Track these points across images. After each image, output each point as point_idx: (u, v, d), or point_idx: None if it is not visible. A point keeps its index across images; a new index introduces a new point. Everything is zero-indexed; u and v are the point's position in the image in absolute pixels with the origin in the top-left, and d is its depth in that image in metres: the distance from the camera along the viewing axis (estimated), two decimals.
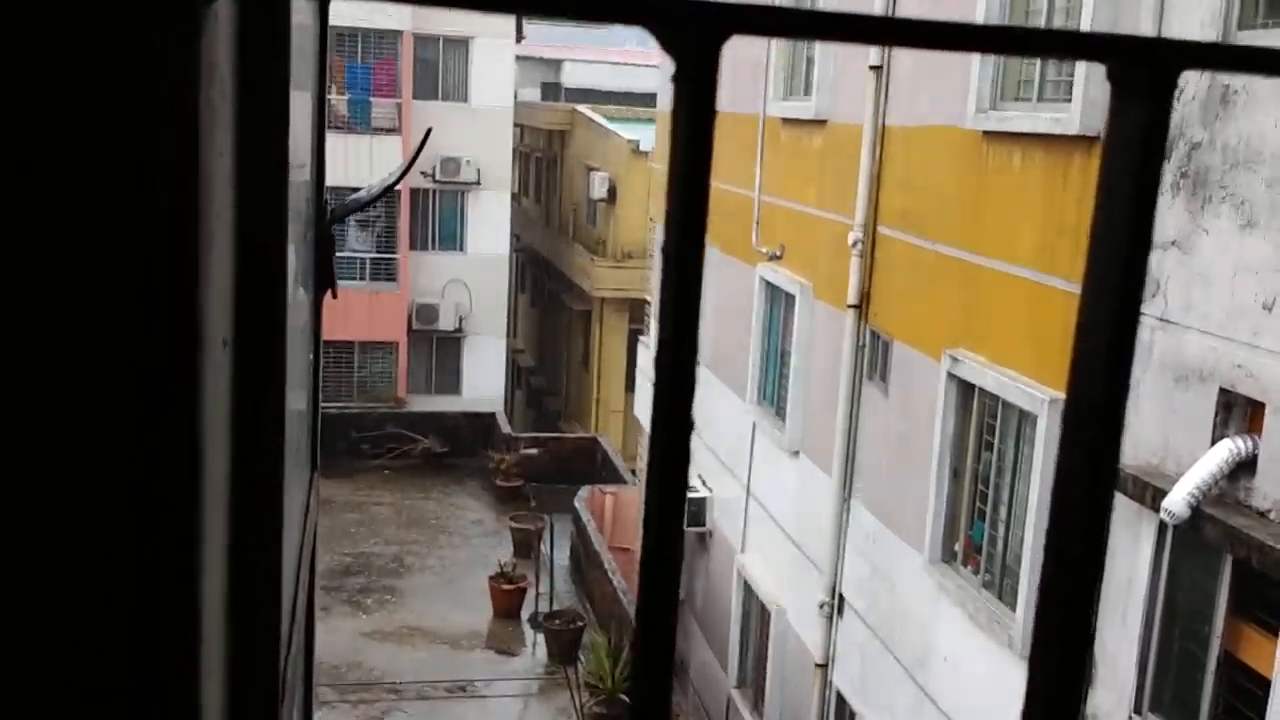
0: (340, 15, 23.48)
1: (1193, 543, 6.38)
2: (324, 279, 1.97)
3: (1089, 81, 7.25)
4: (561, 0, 0.39)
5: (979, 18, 8.48)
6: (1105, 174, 0.43)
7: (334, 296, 2.05)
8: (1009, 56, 8.41)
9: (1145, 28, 6.76)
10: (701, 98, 0.38)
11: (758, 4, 0.40)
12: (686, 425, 0.42)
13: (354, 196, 2.55)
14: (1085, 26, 7.27)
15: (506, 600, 17.59)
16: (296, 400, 1.71)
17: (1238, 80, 6.13)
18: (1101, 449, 0.46)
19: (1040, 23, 8.10)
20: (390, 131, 24.86)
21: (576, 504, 19.24)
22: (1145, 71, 0.42)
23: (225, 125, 0.66)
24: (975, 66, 8.53)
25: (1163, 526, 6.50)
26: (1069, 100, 7.57)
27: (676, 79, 0.38)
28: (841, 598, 10.89)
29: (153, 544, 0.59)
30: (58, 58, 0.51)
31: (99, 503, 0.58)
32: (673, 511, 0.43)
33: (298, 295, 1.65)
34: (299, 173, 1.68)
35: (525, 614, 17.66)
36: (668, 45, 0.38)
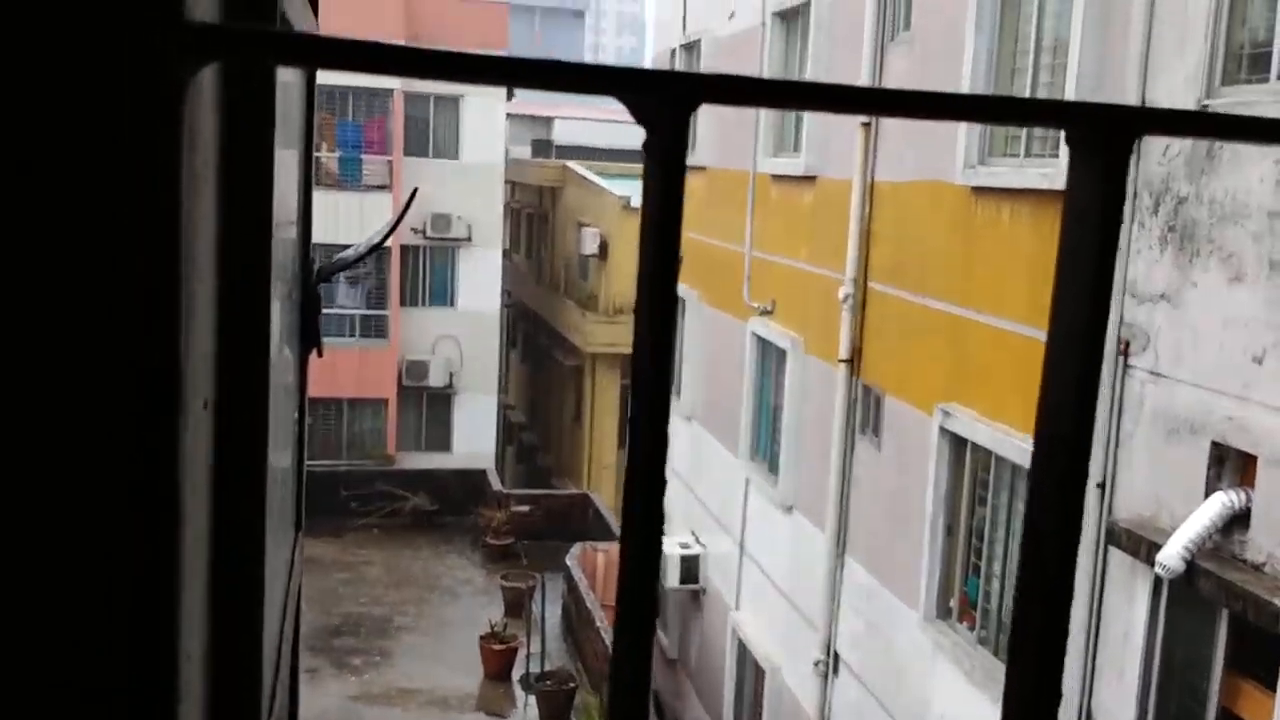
0: (331, 74, 23.66)
1: (1188, 597, 6.33)
2: (309, 338, 1.96)
3: None
4: (532, 73, 0.39)
5: (965, 75, 8.59)
6: (1065, 236, 0.45)
7: (319, 355, 2.04)
8: (971, 123, 8.50)
9: (1130, 84, 6.84)
10: (672, 165, 0.39)
11: (726, 74, 0.40)
12: (660, 485, 0.43)
13: (340, 256, 2.55)
14: (1071, 83, 7.36)
15: (497, 661, 17.39)
16: (280, 459, 1.70)
17: None
18: (1070, 492, 0.46)
19: (1026, 79, 8.20)
20: (381, 188, 25.00)
21: (568, 562, 19.10)
22: (1103, 137, 0.44)
23: (209, 189, 0.68)
24: (963, 123, 8.61)
25: (1158, 581, 6.45)
26: (1056, 155, 7.64)
27: (647, 146, 0.39)
28: (837, 655, 10.78)
29: (130, 598, 0.59)
30: (38, 134, 0.52)
31: (78, 553, 0.58)
32: (649, 563, 0.44)
33: (283, 354, 1.64)
34: (285, 230, 1.68)
35: (516, 675, 17.45)
36: (638, 114, 0.38)
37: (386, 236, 2.64)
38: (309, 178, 1.99)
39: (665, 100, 0.38)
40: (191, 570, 0.73)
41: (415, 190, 3.21)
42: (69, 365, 0.56)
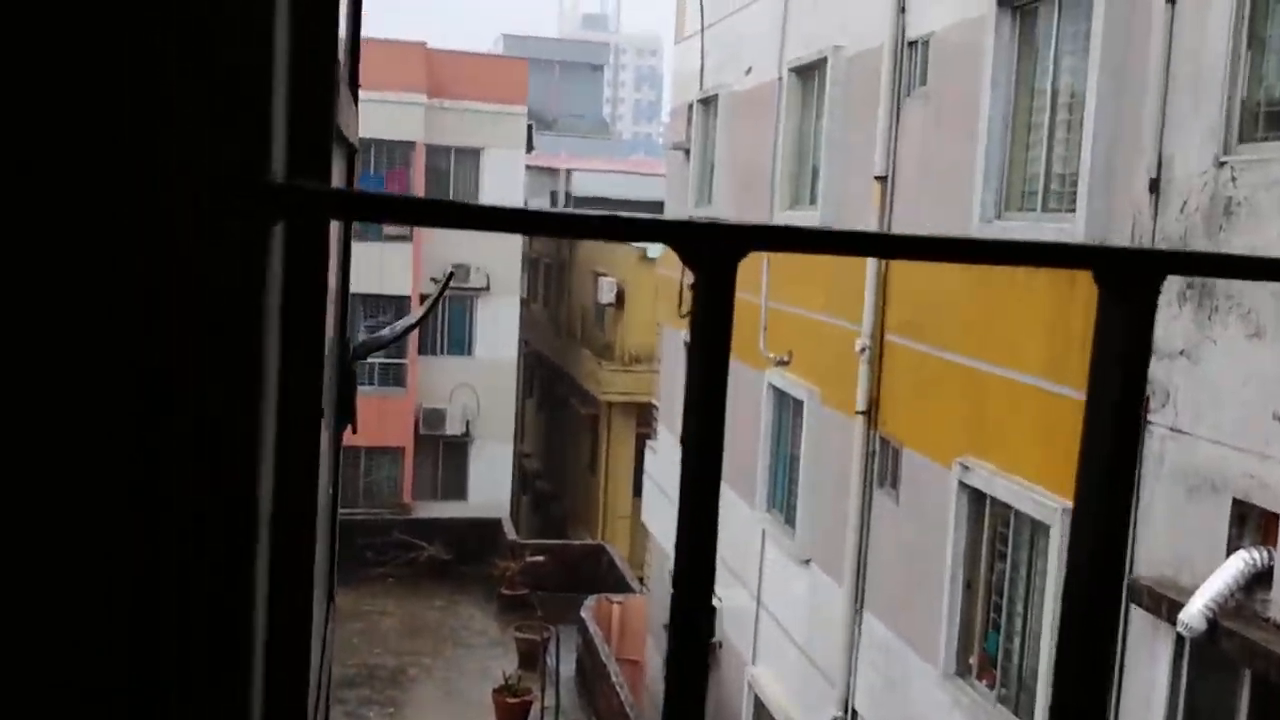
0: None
1: (1211, 657, 6.25)
2: (345, 416, 1.99)
3: (1092, 193, 7.33)
4: (592, 225, 0.43)
5: (981, 131, 8.63)
6: (1094, 368, 0.47)
7: (354, 431, 2.08)
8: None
9: (1147, 140, 6.86)
10: (719, 307, 0.41)
11: (773, 225, 0.43)
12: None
13: (376, 335, 2.60)
14: (1087, 139, 7.39)
15: (511, 714, 17.23)
16: (319, 541, 1.72)
17: (1240, 190, 6.19)
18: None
19: (1043, 135, 8.23)
20: (402, 239, 25.21)
21: (583, 614, 18.97)
22: (1130, 277, 0.46)
23: (275, 323, 0.72)
24: (979, 177, 8.65)
25: (1180, 640, 6.37)
26: (1073, 210, 7.66)
27: (695, 288, 0.41)
28: (854, 712, 10.64)
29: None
30: (146, 286, 0.56)
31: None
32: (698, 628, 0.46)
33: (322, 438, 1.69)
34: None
35: None
36: (689, 260, 0.41)
37: (424, 318, 2.69)
38: (346, 262, 2.03)
39: (714, 247, 0.41)
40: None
41: (452, 272, 3.28)
42: (158, 491, 0.58)
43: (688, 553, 0.41)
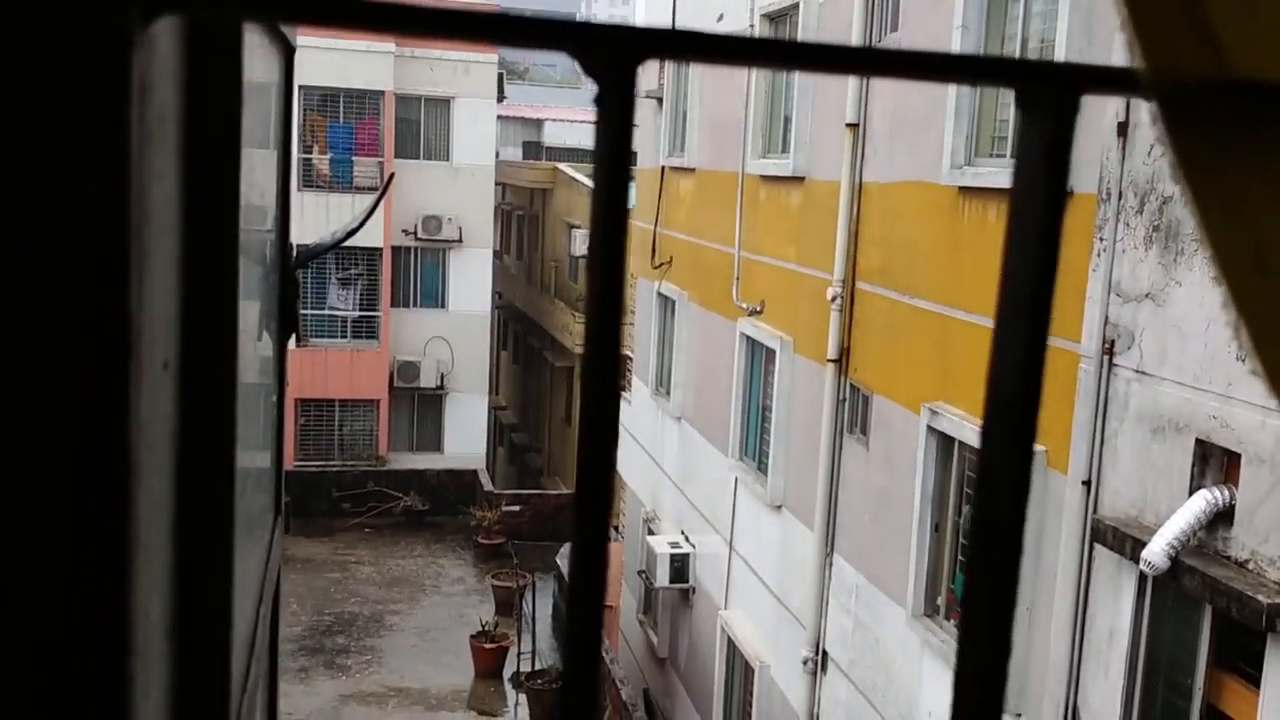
0: (322, 77, 23.67)
1: (1173, 594, 6.38)
2: (288, 324, 1.97)
3: None
4: (486, 26, 0.41)
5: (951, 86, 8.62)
6: (1014, 192, 0.45)
7: (299, 343, 2.07)
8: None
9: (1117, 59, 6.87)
10: (620, 116, 0.40)
11: (673, 29, 0.42)
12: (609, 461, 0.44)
13: (318, 241, 2.58)
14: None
15: (488, 660, 17.40)
16: (256, 435, 1.70)
17: None
18: (1019, 464, 0.47)
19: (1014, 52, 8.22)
20: (372, 190, 24.99)
21: (558, 561, 19.11)
22: (1050, 93, 0.44)
23: (167, 149, 0.66)
24: (950, 123, 8.65)
25: (1143, 578, 6.50)
26: None
27: (597, 100, 0.41)
28: (825, 653, 10.81)
29: (76, 565, 0.55)
30: None
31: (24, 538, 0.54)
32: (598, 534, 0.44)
33: (260, 334, 1.65)
34: (261, 216, 1.69)
35: (507, 673, 17.46)
36: (587, 68, 0.40)
37: (364, 222, 2.68)
38: (287, 168, 2.01)
39: (613, 52, 0.40)
40: (150, 540, 0.70)
41: (392, 175, 3.26)
42: (9, 318, 0.53)
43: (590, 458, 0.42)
